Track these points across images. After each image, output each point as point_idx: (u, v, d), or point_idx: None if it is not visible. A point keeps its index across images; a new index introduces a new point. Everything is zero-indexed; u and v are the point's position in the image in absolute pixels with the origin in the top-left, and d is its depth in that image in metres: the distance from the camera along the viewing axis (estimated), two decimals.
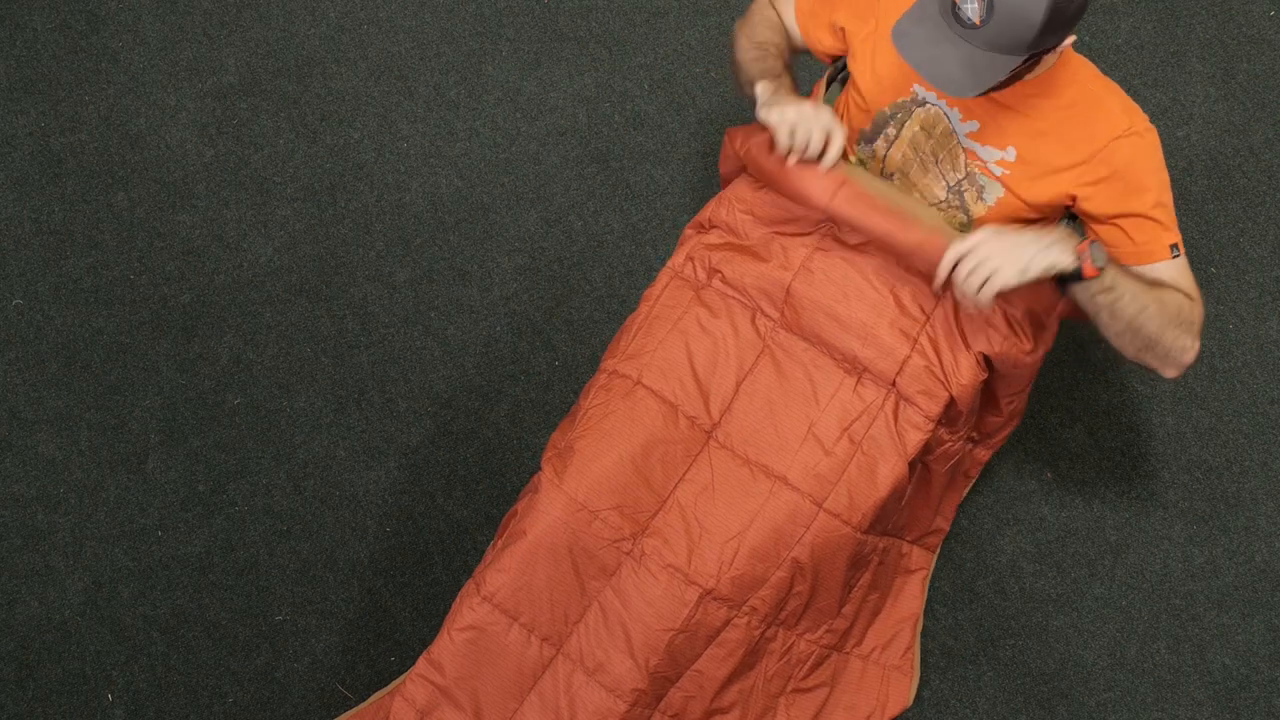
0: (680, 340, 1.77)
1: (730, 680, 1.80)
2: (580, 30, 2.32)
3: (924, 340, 1.73)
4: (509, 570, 1.75)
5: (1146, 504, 2.12)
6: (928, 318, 1.73)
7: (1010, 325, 1.72)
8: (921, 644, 2.06)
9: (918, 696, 2.04)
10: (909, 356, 1.73)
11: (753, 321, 1.77)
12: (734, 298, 1.78)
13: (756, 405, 1.74)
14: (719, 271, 1.79)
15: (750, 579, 1.73)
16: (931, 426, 1.73)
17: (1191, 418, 2.15)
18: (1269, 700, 2.05)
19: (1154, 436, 2.14)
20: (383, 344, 2.19)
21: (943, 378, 1.73)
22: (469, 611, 1.77)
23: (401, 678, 1.90)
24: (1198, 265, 2.20)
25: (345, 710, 2.02)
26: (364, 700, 1.99)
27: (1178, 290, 1.67)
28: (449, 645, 1.77)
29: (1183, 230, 2.22)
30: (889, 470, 1.73)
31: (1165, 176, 1.68)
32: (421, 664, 1.79)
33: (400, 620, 2.08)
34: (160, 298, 2.20)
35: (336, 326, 2.20)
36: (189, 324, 2.19)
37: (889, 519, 1.81)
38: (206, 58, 2.31)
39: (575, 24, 2.32)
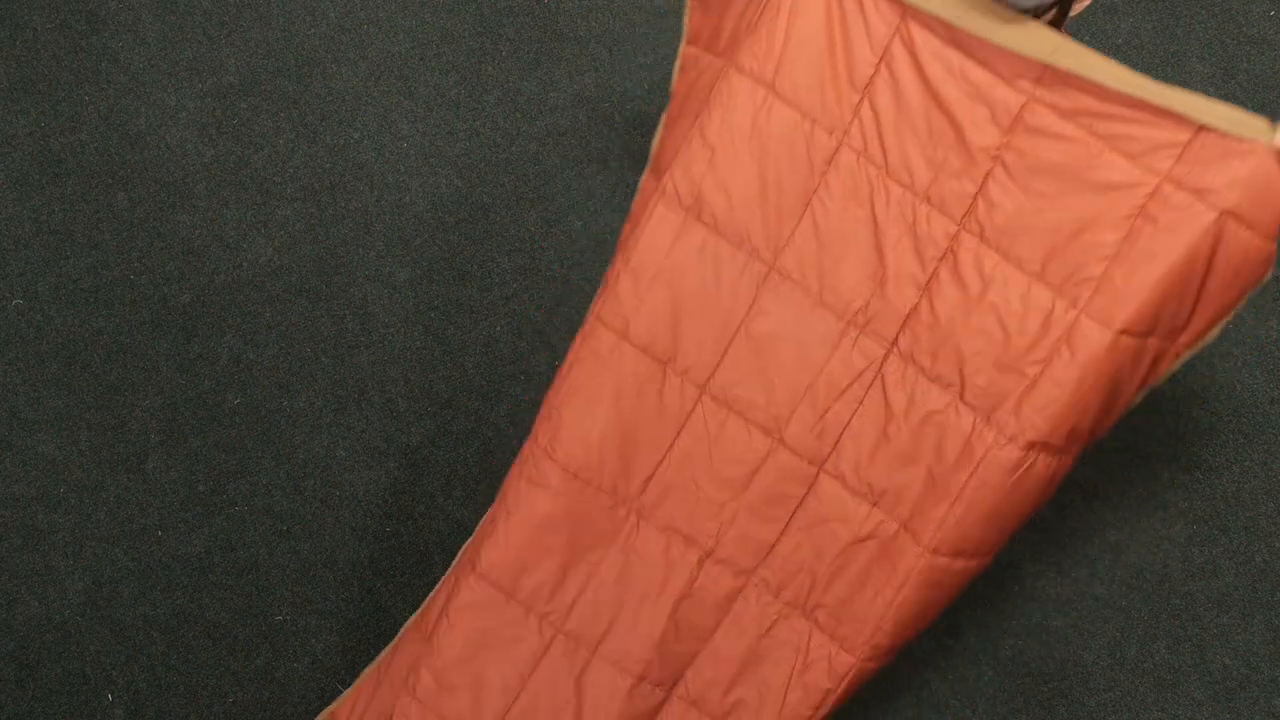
0: (668, 288, 1.71)
1: (746, 664, 1.75)
2: (580, 30, 2.32)
3: (925, 303, 1.67)
4: (503, 546, 1.72)
5: (1146, 504, 2.12)
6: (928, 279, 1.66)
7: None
8: (921, 643, 2.06)
9: (917, 696, 2.04)
10: (916, 305, 1.66)
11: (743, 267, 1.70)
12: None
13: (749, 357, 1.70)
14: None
15: (753, 541, 1.70)
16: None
17: (1191, 418, 2.15)
18: (1269, 700, 2.05)
19: (1154, 436, 2.14)
20: (383, 344, 2.19)
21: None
22: (466, 591, 1.73)
23: (387, 649, 1.87)
24: None
25: None
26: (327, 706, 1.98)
27: None
28: (447, 628, 1.75)
29: None
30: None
31: None
32: (423, 651, 1.77)
33: (400, 620, 2.08)
34: (160, 298, 2.20)
35: (336, 326, 2.20)
36: (189, 324, 2.19)
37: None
38: (206, 58, 2.31)
39: (575, 24, 2.32)
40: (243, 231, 2.24)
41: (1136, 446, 2.14)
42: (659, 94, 2.30)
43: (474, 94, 2.30)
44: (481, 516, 2.10)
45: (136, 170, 2.26)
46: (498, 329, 2.20)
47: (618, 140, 2.28)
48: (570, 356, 1.75)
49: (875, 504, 1.70)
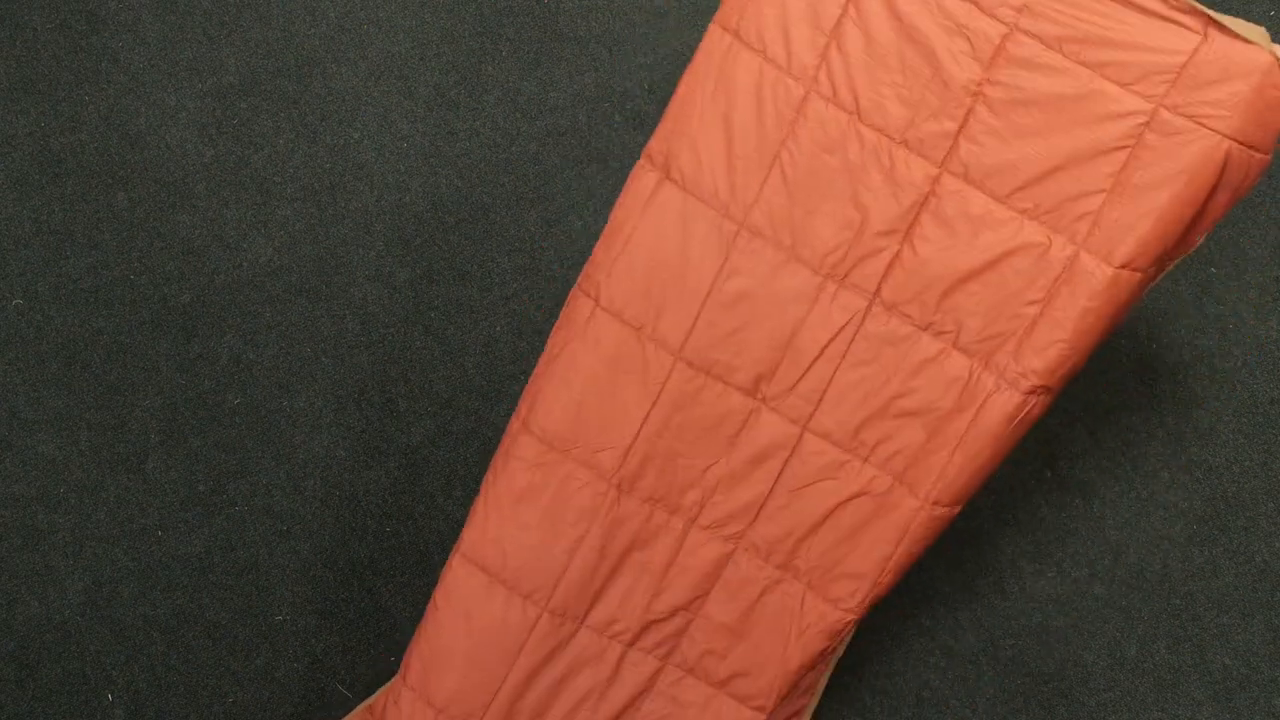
0: (641, 251, 1.67)
1: (741, 631, 1.74)
2: (580, 30, 2.32)
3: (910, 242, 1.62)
4: (483, 524, 1.71)
5: (1146, 504, 2.12)
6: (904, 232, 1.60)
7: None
8: (921, 643, 2.06)
9: (918, 696, 2.04)
10: (898, 253, 1.61)
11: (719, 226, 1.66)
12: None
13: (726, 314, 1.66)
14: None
15: (738, 506, 1.68)
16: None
17: (1191, 418, 2.15)
18: (1269, 700, 2.05)
19: (1154, 436, 2.14)
20: (383, 344, 2.19)
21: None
22: (450, 573, 1.72)
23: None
24: (1198, 265, 2.20)
25: (345, 710, 2.02)
26: (366, 698, 1.99)
27: None
28: (434, 612, 1.73)
29: None
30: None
31: None
32: (414, 637, 1.76)
33: (400, 620, 2.08)
34: (160, 298, 2.20)
35: (336, 326, 2.20)
36: (189, 324, 2.19)
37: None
38: (206, 58, 2.31)
39: (575, 24, 2.32)
40: (243, 231, 2.24)
41: (1136, 446, 2.14)
42: (659, 94, 2.30)
43: (474, 94, 2.30)
44: None
45: (136, 170, 2.26)
46: (498, 329, 2.20)
47: (618, 140, 2.27)
48: (554, 327, 1.73)
49: (866, 460, 1.66)
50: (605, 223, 2.24)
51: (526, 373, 2.18)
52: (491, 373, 2.18)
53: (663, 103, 2.30)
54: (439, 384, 2.18)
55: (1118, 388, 2.16)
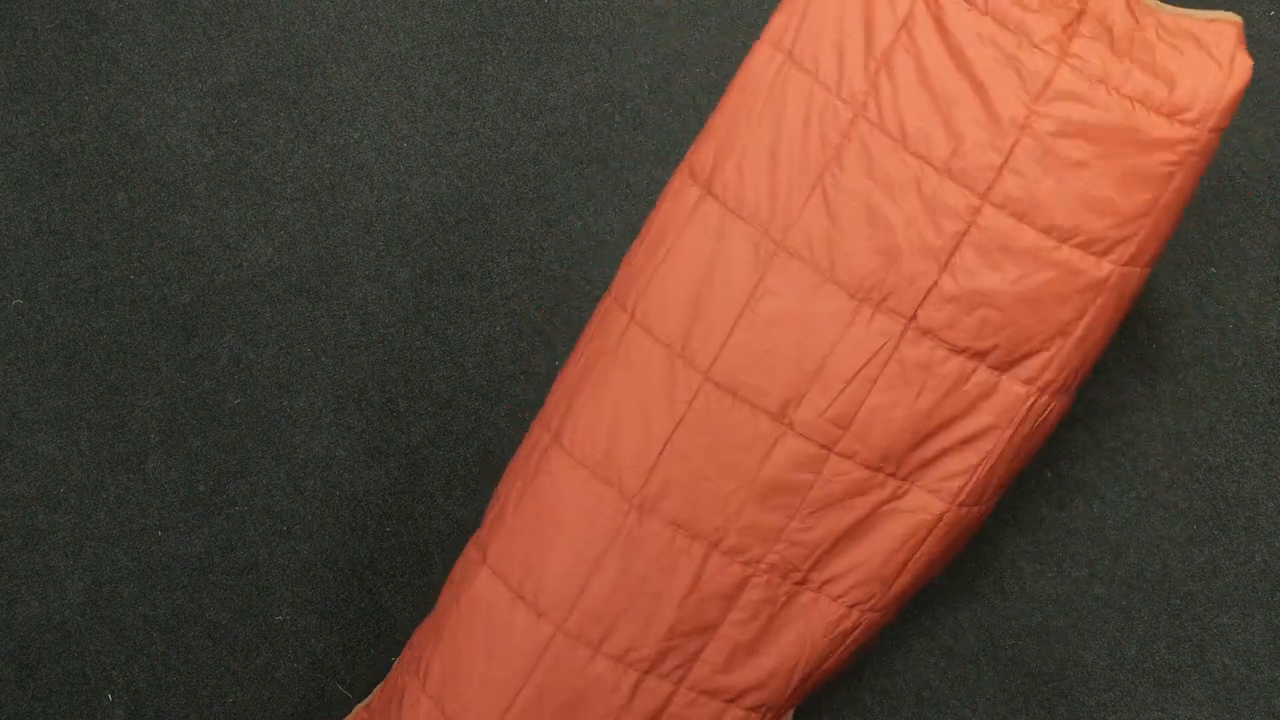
0: (678, 266, 1.67)
1: (756, 648, 1.73)
2: (580, 30, 2.32)
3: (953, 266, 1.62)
4: (509, 536, 1.71)
5: (1146, 504, 2.12)
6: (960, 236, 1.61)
7: None
8: (921, 643, 2.06)
9: (918, 696, 2.03)
10: (936, 280, 1.61)
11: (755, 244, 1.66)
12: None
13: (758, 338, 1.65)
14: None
15: (761, 530, 1.67)
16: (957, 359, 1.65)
17: (1191, 418, 2.15)
18: (1269, 700, 2.05)
19: (1154, 436, 2.14)
20: (383, 344, 2.19)
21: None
22: (473, 584, 1.72)
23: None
24: (1198, 265, 2.20)
25: (345, 710, 2.02)
26: (365, 698, 1.99)
27: None
28: (457, 620, 1.73)
29: (1183, 230, 2.22)
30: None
31: None
32: (433, 642, 1.76)
33: (400, 620, 2.08)
34: (160, 298, 2.20)
35: (336, 326, 2.20)
36: (189, 324, 2.19)
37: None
38: (206, 58, 2.31)
39: (575, 24, 2.32)
40: (243, 231, 2.23)
41: (1136, 446, 2.14)
42: (659, 94, 2.30)
43: (474, 94, 2.30)
44: (481, 517, 2.11)
45: (136, 170, 2.26)
46: (498, 329, 2.20)
47: (618, 140, 2.27)
48: (586, 333, 1.73)
49: (891, 474, 1.66)
50: (605, 223, 2.24)
51: (527, 373, 2.18)
52: (491, 373, 2.18)
53: (663, 103, 2.30)
54: (439, 384, 2.18)
55: (1118, 388, 2.15)
